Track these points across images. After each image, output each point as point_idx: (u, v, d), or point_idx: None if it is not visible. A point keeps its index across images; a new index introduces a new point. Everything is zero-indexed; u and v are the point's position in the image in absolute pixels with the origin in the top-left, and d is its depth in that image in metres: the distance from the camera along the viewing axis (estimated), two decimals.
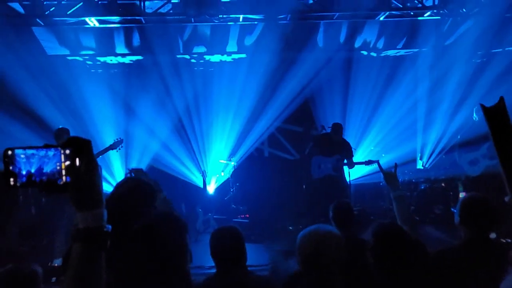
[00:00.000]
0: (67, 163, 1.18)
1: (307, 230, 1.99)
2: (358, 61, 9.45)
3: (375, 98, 9.48)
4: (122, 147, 6.69)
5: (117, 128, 8.78)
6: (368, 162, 7.69)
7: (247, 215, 8.52)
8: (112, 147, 6.54)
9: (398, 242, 2.46)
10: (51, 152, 1.19)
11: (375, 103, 9.50)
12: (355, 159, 8.00)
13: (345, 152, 7.69)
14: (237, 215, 8.47)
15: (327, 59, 9.14)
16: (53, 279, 4.62)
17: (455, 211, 2.99)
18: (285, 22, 7.70)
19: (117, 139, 6.65)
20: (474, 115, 8.05)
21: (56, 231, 6.25)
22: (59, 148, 1.19)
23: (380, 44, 9.30)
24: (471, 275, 2.64)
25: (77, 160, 1.19)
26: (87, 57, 9.05)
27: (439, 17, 7.71)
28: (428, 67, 9.14)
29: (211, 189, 9.33)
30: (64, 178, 1.19)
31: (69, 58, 8.88)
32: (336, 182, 7.52)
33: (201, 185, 9.37)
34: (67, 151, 1.19)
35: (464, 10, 7.02)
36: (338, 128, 7.75)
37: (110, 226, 1.23)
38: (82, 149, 1.19)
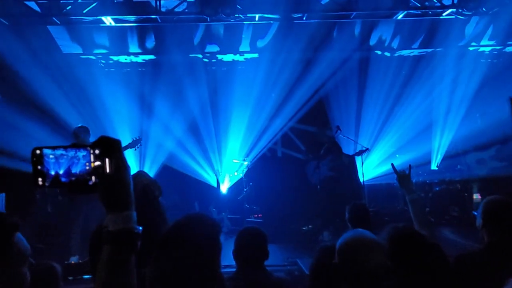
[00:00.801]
0: (97, 163, 1.17)
1: (347, 237, 1.95)
2: (373, 61, 9.38)
3: (390, 99, 9.39)
4: (140, 145, 6.65)
5: (132, 126, 8.82)
6: (359, 153, 7.61)
7: (260, 215, 8.52)
8: (130, 146, 6.52)
9: (414, 245, 2.42)
10: (80, 153, 1.17)
11: (390, 104, 9.42)
12: (371, 159, 7.94)
13: (336, 151, 7.63)
14: (250, 214, 8.47)
15: (342, 59, 9.07)
16: (70, 277, 4.63)
17: (476, 214, 2.94)
18: (301, 21, 7.66)
19: (135, 137, 6.62)
20: (478, 121, 8.03)
21: (72, 229, 6.28)
22: (89, 148, 1.18)
23: (395, 44, 9.22)
24: (493, 279, 2.59)
25: (107, 160, 1.17)
26: (100, 56, 9.08)
27: (458, 17, 7.57)
28: (445, 67, 9.04)
29: (224, 188, 9.33)
30: (93, 178, 1.17)
31: (83, 56, 8.92)
32: (337, 182, 7.45)
33: (215, 185, 9.38)
34: (97, 151, 1.17)
35: (484, 9, 6.91)
36: (325, 130, 7.72)
37: (141, 228, 1.20)
38: (112, 149, 1.17)
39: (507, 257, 2.66)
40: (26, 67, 7.55)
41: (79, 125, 6.66)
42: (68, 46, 8.56)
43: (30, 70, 7.61)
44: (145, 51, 8.98)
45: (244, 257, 2.76)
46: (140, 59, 9.23)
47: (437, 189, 8.63)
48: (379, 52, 9.36)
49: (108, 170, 1.17)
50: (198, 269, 1.48)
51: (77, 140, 6.24)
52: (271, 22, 7.94)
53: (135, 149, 6.72)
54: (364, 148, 7.69)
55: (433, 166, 9.22)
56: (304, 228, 8.10)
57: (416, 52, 9.41)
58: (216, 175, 9.24)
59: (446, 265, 2.65)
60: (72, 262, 5.76)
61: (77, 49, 8.72)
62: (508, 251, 2.69)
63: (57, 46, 8.39)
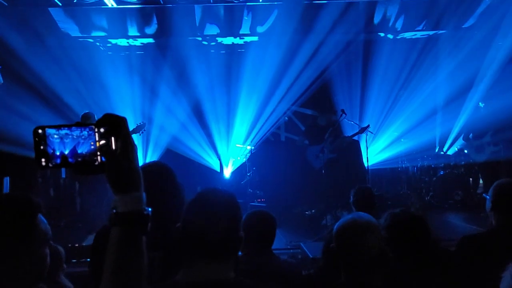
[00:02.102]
0: (102, 142, 1.11)
1: (344, 220, 1.93)
2: (378, 44, 9.26)
3: (395, 83, 9.30)
4: (144, 130, 6.67)
5: (134, 109, 8.77)
6: (361, 130, 7.46)
7: (263, 200, 8.51)
8: (134, 131, 6.54)
9: (413, 229, 2.40)
10: (85, 132, 1.12)
11: (395, 88, 9.32)
12: (376, 144, 7.87)
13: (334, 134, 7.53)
14: (253, 199, 8.47)
15: (346, 41, 8.95)
16: (74, 260, 4.64)
17: (487, 196, 2.92)
18: (307, 2, 7.54)
19: (140, 123, 6.65)
20: (480, 103, 8.04)
21: (81, 212, 6.29)
22: (93, 127, 1.12)
23: (399, 26, 9.06)
24: (501, 262, 2.57)
25: (113, 139, 1.12)
26: (98, 39, 8.94)
27: None
28: (451, 50, 8.93)
29: (227, 173, 9.31)
30: (99, 158, 1.12)
31: (81, 39, 8.81)
32: (338, 164, 7.38)
33: (218, 169, 9.37)
34: (102, 130, 1.12)
35: None
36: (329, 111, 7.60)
37: (150, 209, 1.16)
38: (118, 127, 1.12)
39: None
40: (27, 49, 7.49)
41: (86, 111, 6.65)
42: (68, 29, 8.47)
43: (31, 52, 7.54)
44: (145, 34, 8.83)
45: (253, 241, 2.73)
46: (138, 42, 9.12)
47: (442, 173, 8.60)
48: (382, 34, 9.22)
49: (114, 150, 1.12)
50: (225, 236, 1.54)
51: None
52: (275, 3, 7.81)
53: (140, 134, 6.74)
54: (364, 126, 7.54)
55: (438, 150, 9.17)
56: (307, 212, 8.09)
57: (419, 34, 9.25)
58: (219, 159, 9.23)
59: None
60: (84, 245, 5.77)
61: (76, 32, 8.60)
62: None
63: (58, 28, 8.30)
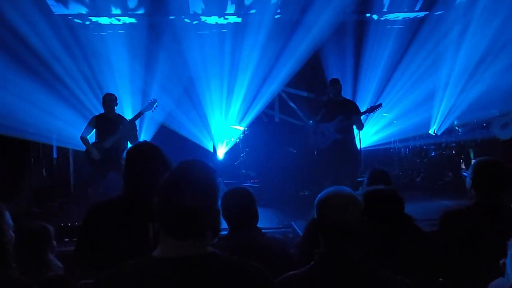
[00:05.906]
0: None
1: (326, 192, 1.95)
2: (370, 25, 9.21)
3: (389, 65, 9.26)
4: (156, 106, 6.88)
5: (131, 86, 8.73)
6: (371, 109, 7.15)
7: (256, 180, 8.55)
8: (146, 108, 6.82)
9: (386, 206, 2.46)
10: None
11: (389, 70, 9.29)
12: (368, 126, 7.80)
13: (350, 112, 7.09)
14: (247, 180, 8.50)
15: (336, 21, 8.89)
16: (67, 239, 4.67)
17: (466, 174, 2.95)
18: None
19: (150, 100, 6.88)
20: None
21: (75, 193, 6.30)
22: None
23: (387, 5, 8.97)
24: (480, 238, 2.64)
25: None
26: (80, 16, 8.81)
27: None
28: (445, 29, 8.87)
29: (221, 153, 9.32)
30: None
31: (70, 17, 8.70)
32: (344, 145, 7.16)
33: (211, 149, 9.37)
34: None
35: None
36: (336, 85, 7.11)
37: None
38: None
39: (494, 217, 2.70)
40: (18, 28, 7.41)
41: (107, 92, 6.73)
42: (55, 6, 8.39)
43: (22, 31, 7.46)
44: (128, 13, 8.76)
45: (233, 217, 2.73)
46: (121, 22, 9.02)
47: (433, 154, 8.65)
48: (367, 15, 9.15)
49: None
50: (200, 211, 1.49)
51: (106, 107, 6.52)
52: None
53: (152, 111, 6.93)
54: (375, 105, 7.24)
55: (430, 131, 9.18)
56: (301, 193, 8.15)
57: (400, 16, 9.21)
58: (212, 140, 9.22)
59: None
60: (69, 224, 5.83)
61: (63, 9, 8.50)
62: (495, 211, 2.72)
63: (48, 7, 8.20)
